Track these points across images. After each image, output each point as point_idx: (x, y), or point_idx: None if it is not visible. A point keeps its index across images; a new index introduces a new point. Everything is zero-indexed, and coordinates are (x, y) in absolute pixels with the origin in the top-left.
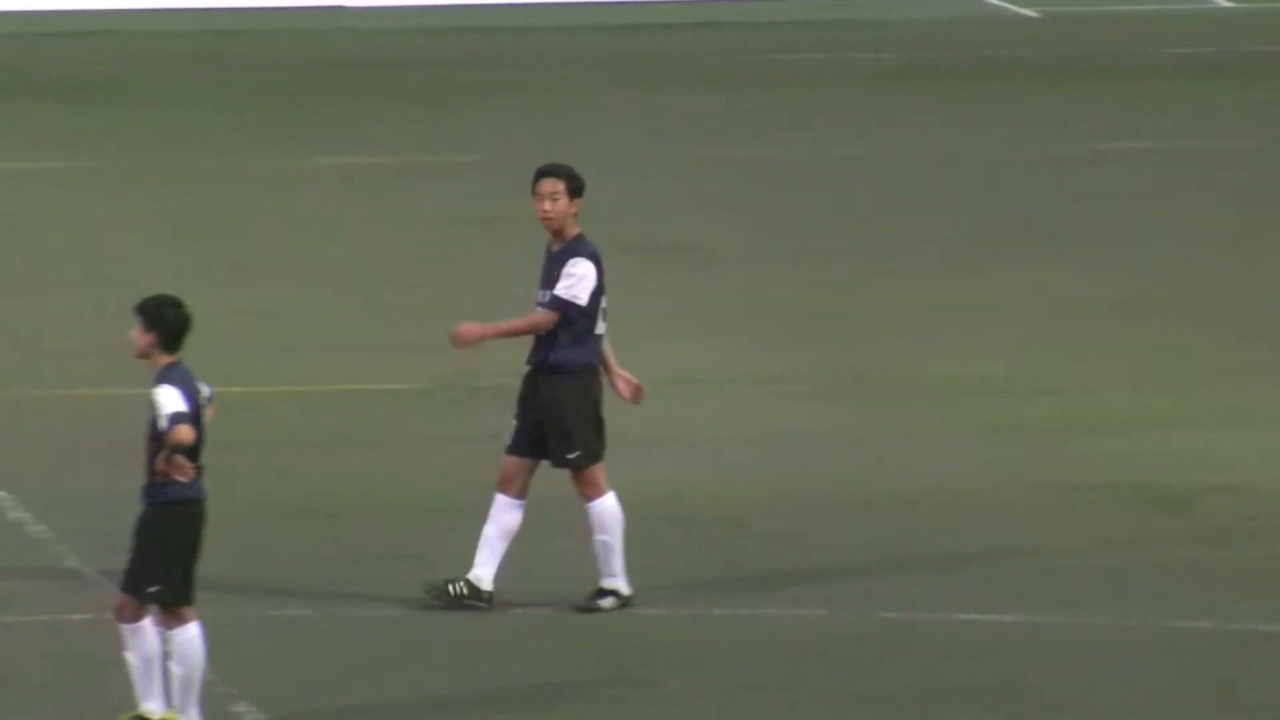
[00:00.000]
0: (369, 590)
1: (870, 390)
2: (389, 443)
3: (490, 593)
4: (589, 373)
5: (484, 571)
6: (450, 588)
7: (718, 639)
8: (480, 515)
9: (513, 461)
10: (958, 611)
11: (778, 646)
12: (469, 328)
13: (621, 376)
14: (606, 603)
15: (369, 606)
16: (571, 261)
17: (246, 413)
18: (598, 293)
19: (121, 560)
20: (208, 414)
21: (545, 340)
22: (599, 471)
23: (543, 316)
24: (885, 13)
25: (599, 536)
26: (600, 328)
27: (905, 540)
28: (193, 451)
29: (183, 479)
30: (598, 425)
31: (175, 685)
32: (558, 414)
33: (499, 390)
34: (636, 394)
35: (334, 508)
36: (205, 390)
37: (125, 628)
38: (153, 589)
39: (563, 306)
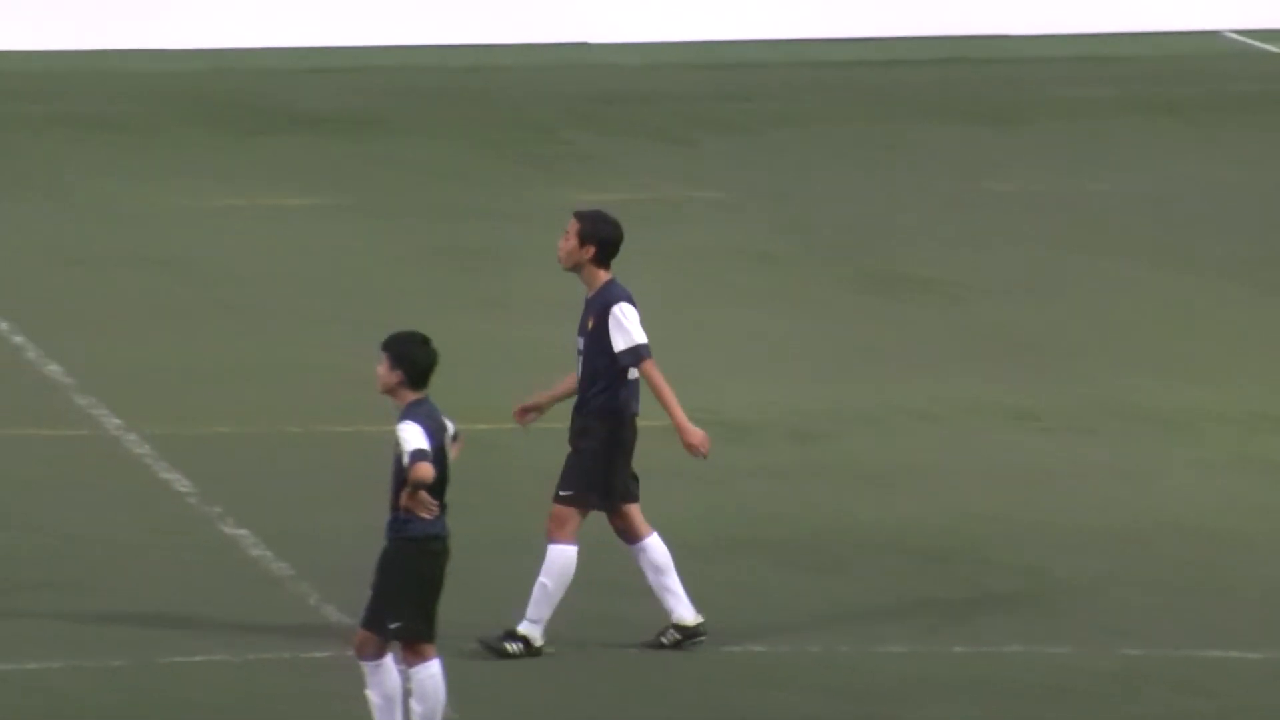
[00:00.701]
0: (604, 625)
1: (1114, 423)
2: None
3: (701, 622)
4: (625, 417)
5: (682, 611)
6: (663, 639)
7: (959, 676)
8: (699, 553)
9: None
10: (1201, 647)
11: (1020, 684)
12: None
13: (536, 407)
14: (513, 646)
15: (597, 642)
16: (617, 310)
17: (485, 450)
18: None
19: (363, 598)
20: (453, 451)
21: (587, 384)
22: (575, 518)
23: (651, 371)
24: (1129, 49)
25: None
26: (634, 373)
27: (1147, 575)
28: (436, 488)
29: (426, 515)
30: (611, 470)
31: None
32: (574, 451)
33: (740, 426)
34: (523, 417)
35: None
36: (450, 427)
37: (366, 665)
38: (394, 625)
39: (633, 358)
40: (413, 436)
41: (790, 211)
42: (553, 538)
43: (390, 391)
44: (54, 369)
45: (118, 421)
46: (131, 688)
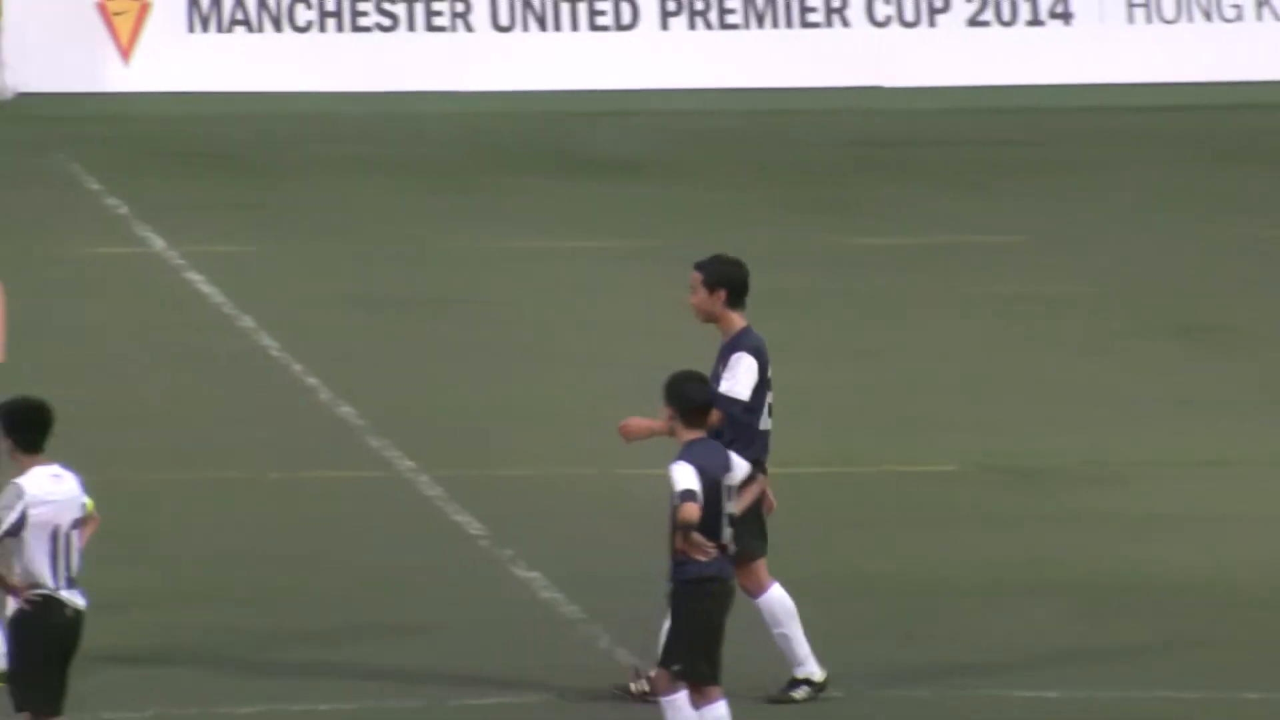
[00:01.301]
0: (903, 670)
1: None
2: (922, 523)
3: (823, 680)
4: (754, 469)
5: (810, 665)
6: (795, 694)
7: None
8: (985, 598)
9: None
10: None
11: None
12: (636, 423)
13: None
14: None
15: (905, 688)
16: (733, 358)
17: (779, 493)
18: (761, 388)
19: (653, 640)
20: (745, 494)
21: (723, 433)
22: (762, 566)
23: (710, 416)
24: None
25: (776, 630)
26: (765, 423)
27: None
28: (711, 528)
29: (702, 558)
30: (759, 522)
31: None
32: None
33: (1035, 472)
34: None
35: (870, 586)
36: (739, 469)
37: (662, 701)
38: (675, 667)
39: (725, 405)
40: (682, 477)
41: (1087, 257)
42: (752, 593)
43: (672, 432)
44: (346, 411)
45: (410, 464)
46: None
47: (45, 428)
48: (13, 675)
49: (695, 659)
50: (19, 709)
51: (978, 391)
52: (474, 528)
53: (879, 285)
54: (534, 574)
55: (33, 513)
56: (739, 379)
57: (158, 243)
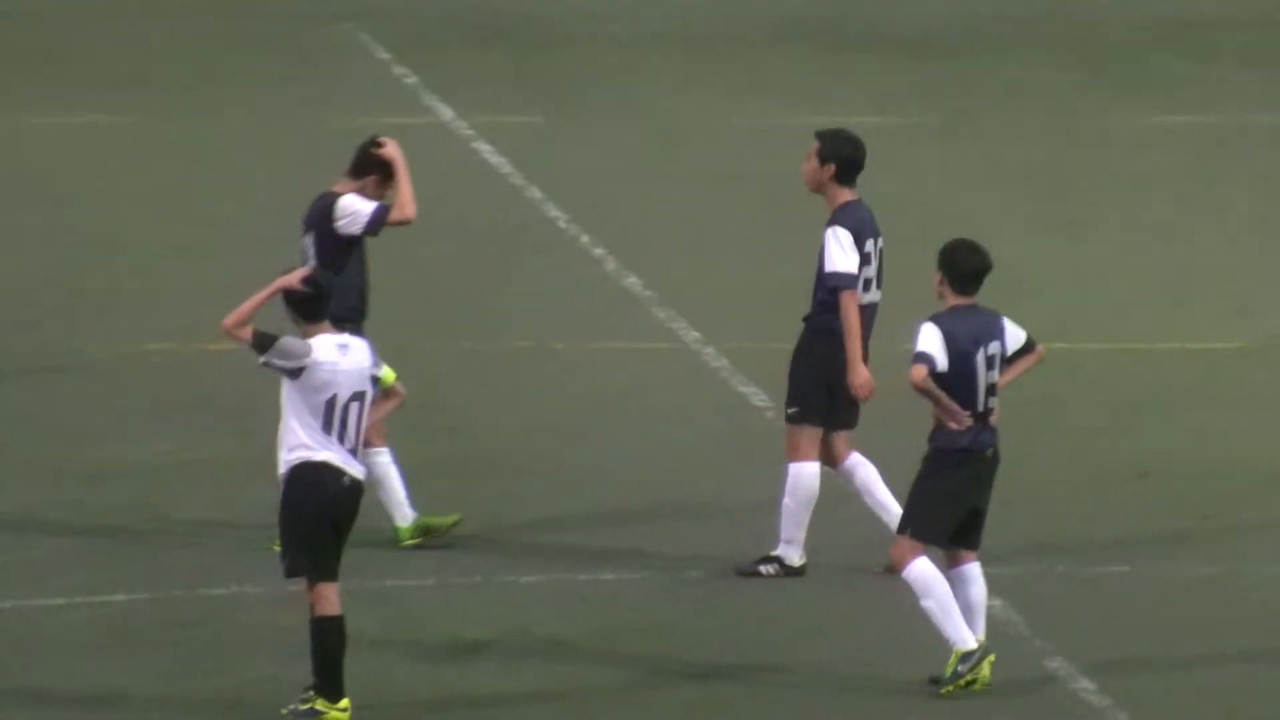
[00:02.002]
0: (1168, 550)
1: None
2: (1204, 403)
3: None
4: (838, 338)
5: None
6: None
7: None
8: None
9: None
10: None
11: None
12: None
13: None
14: (767, 568)
15: (1176, 566)
16: (830, 232)
17: (1066, 369)
18: (860, 263)
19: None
20: (1012, 367)
21: (815, 303)
22: (806, 435)
23: (846, 303)
24: None
25: (785, 500)
26: (866, 297)
27: None
28: (965, 398)
29: (954, 426)
30: (828, 391)
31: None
32: (794, 367)
33: None
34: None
35: (1148, 467)
36: (1009, 342)
37: (903, 578)
38: (911, 529)
39: (836, 276)
40: (922, 338)
41: None
42: (789, 458)
43: (941, 296)
44: (632, 281)
45: (696, 335)
46: (699, 599)
47: (323, 299)
48: (283, 539)
49: (930, 523)
50: (289, 575)
51: (1258, 271)
52: (759, 399)
53: (1165, 165)
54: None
55: (312, 373)
56: (838, 254)
57: (446, 112)
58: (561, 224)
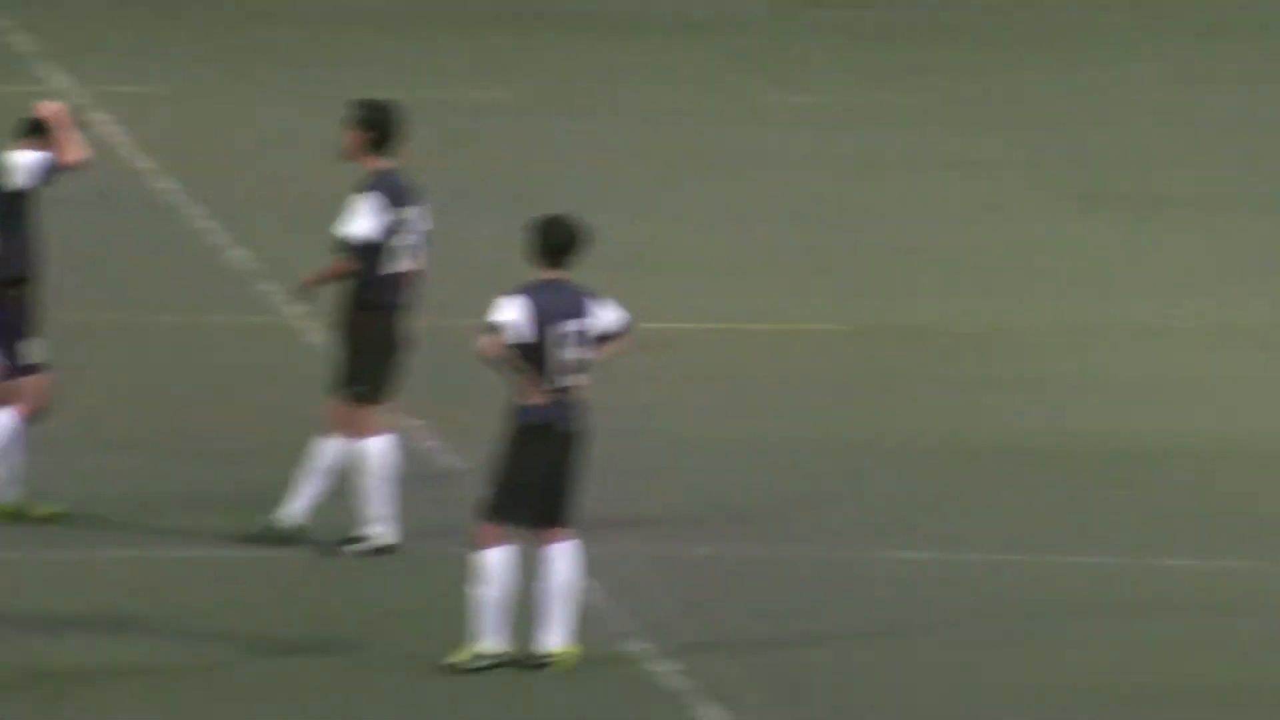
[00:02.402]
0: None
1: None
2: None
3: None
4: (383, 310)
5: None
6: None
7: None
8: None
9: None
10: None
11: None
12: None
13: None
14: (357, 548)
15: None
16: (352, 199)
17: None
18: (388, 230)
19: None
20: (603, 348)
21: (350, 279)
22: (371, 410)
23: (339, 263)
24: None
25: (368, 479)
26: (394, 266)
27: None
28: (544, 372)
29: (537, 400)
30: (389, 365)
31: None
32: (349, 345)
33: (912, 332)
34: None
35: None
36: (597, 321)
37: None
38: (491, 512)
39: (341, 244)
40: (504, 308)
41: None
42: (354, 434)
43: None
44: (239, 254)
45: (295, 310)
46: (286, 578)
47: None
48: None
49: (504, 504)
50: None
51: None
52: None
53: (813, 145)
54: None
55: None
56: (353, 220)
57: (64, 80)
58: (171, 196)
